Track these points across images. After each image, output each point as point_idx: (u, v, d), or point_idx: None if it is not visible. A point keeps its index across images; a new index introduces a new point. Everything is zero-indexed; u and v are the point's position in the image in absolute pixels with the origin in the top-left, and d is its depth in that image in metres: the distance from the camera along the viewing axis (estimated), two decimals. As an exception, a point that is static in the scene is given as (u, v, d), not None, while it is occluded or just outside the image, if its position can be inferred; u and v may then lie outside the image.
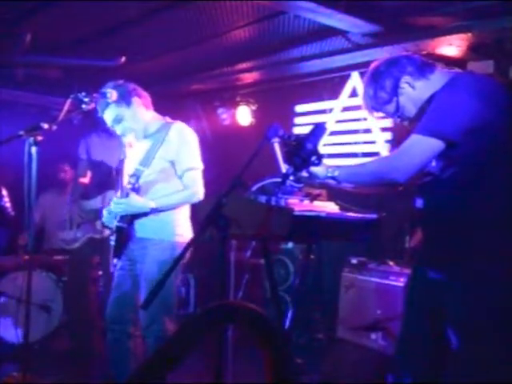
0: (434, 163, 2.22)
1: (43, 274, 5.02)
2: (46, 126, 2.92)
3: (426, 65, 2.34)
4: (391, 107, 2.38)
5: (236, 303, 2.27)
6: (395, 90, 2.33)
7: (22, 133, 2.91)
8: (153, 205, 3.22)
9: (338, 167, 2.37)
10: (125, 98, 3.30)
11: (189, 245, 2.24)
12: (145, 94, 3.44)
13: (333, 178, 2.34)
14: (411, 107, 2.35)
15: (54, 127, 2.96)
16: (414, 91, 2.32)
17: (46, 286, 4.99)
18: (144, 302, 2.00)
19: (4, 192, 4.93)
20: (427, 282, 2.28)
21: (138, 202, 3.22)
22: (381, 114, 2.48)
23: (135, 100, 3.34)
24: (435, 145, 2.13)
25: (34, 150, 2.91)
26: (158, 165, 3.29)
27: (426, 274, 2.29)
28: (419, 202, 2.31)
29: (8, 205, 4.92)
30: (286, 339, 2.21)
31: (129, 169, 3.40)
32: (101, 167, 4.45)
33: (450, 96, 2.17)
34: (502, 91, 2.20)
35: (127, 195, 3.24)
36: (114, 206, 3.27)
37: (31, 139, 2.91)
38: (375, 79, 2.37)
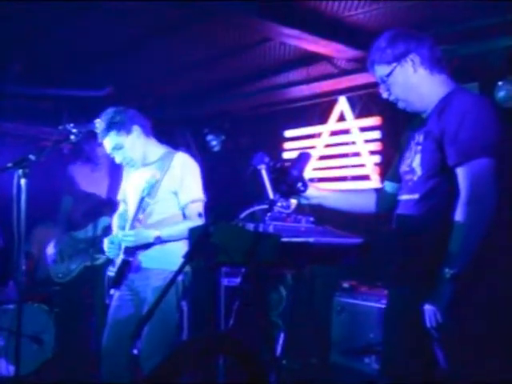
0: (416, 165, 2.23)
1: (35, 305, 4.98)
2: (34, 157, 2.94)
3: (439, 63, 2.31)
4: (385, 70, 2.31)
5: (222, 334, 2.26)
6: (400, 58, 2.28)
7: (10, 165, 2.92)
8: (158, 233, 3.24)
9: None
10: (125, 126, 3.31)
11: (177, 272, 2.24)
12: (145, 120, 3.45)
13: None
14: (399, 88, 2.31)
15: (43, 158, 2.98)
16: (413, 74, 2.28)
17: (37, 318, 4.94)
18: (133, 332, 2.00)
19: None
20: (403, 298, 2.27)
21: (145, 232, 3.25)
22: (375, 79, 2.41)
23: (135, 128, 3.35)
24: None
25: (23, 181, 2.92)
26: (163, 196, 3.31)
27: (400, 291, 2.29)
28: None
29: (-3, 236, 4.91)
30: (270, 372, 2.20)
31: (133, 198, 3.40)
32: (88, 199, 4.45)
33: (479, 115, 2.13)
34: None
35: (134, 227, 3.26)
36: (123, 238, 3.26)
37: (20, 171, 2.92)
38: (394, 37, 2.31)
